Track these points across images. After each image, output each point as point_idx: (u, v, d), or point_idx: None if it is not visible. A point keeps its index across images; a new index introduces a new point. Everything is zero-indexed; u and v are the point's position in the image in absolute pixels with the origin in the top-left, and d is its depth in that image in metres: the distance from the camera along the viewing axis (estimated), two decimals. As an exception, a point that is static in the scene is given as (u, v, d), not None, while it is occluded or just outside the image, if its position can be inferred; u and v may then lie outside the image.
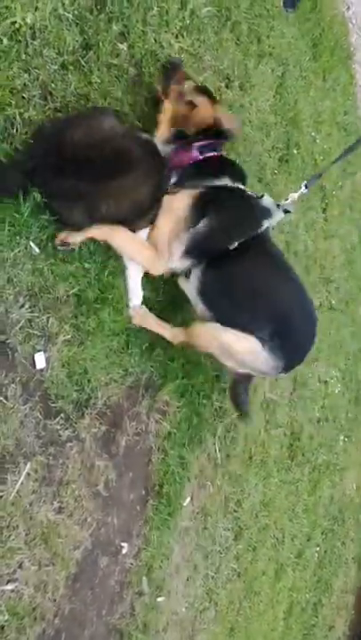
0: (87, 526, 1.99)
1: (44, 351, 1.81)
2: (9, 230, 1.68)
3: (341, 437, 4.24)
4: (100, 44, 1.93)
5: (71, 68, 1.84)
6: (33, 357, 1.78)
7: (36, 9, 1.71)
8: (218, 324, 2.08)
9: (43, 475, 1.80)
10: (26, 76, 1.69)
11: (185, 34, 2.33)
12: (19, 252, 1.71)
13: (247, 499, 3.00)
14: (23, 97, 1.69)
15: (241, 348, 2.08)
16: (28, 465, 1.75)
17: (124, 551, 2.17)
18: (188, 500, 2.56)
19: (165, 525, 2.37)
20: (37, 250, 1.77)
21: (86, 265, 1.92)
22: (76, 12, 1.84)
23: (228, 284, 2.09)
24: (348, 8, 4.01)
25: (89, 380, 1.97)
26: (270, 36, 2.94)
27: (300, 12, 3.19)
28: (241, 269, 2.08)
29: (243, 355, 2.10)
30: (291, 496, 3.50)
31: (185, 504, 2.53)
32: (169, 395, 2.39)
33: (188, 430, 2.50)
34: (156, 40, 2.18)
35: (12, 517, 1.71)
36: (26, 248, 1.74)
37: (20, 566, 1.75)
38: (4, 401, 1.68)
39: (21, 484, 1.72)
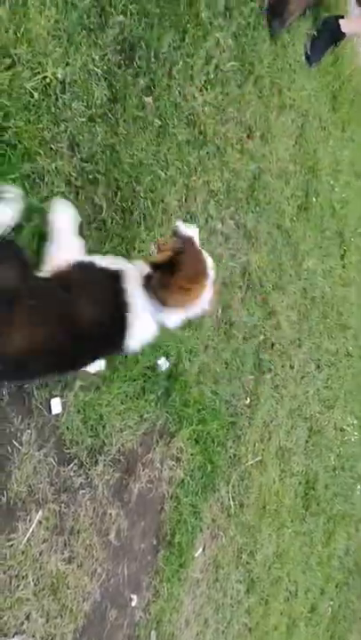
0: (97, 577, 1.95)
1: (61, 396, 1.81)
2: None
3: (358, 487, 4.14)
4: (127, 97, 1.99)
5: (99, 120, 1.89)
6: (49, 402, 1.78)
7: (67, 64, 1.77)
8: None
9: (54, 523, 1.78)
10: (55, 127, 1.74)
11: (209, 87, 2.39)
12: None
13: (260, 550, 2.93)
14: (51, 148, 1.74)
15: None
16: (40, 513, 1.73)
17: (133, 603, 2.12)
18: (200, 550, 2.51)
19: (176, 577, 2.32)
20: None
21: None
22: (105, 67, 1.90)
23: None
24: (368, 62, 4.09)
25: (104, 426, 1.96)
26: (291, 88, 3.00)
27: (321, 66, 3.27)
28: None
29: None
30: (305, 547, 3.41)
31: (197, 555, 2.48)
32: (183, 441, 2.36)
33: (201, 478, 2.46)
34: (180, 93, 2.24)
35: (22, 567, 1.68)
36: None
37: (28, 618, 1.71)
38: (19, 447, 1.67)
39: (32, 532, 1.70)
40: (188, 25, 2.23)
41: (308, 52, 3.13)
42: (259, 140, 2.76)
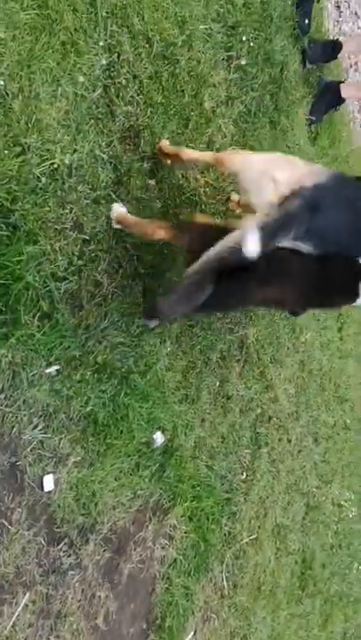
0: (83, 664, 1.88)
1: (53, 473, 1.80)
2: (28, 349, 1.73)
3: (356, 565, 4.01)
4: (131, 180, 2.07)
5: (103, 201, 1.97)
6: (41, 479, 1.77)
7: (75, 151, 1.85)
8: None
9: (41, 606, 1.73)
10: (60, 210, 1.81)
11: (210, 169, 2.49)
12: (36, 373, 1.75)
13: (254, 634, 2.81)
14: (56, 229, 1.80)
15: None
16: (27, 595, 1.68)
17: None
18: (192, 634, 2.42)
19: (166, 664, 2.23)
20: (55, 371, 1.81)
21: (102, 387, 1.94)
22: (110, 153, 1.99)
23: None
24: (365, 143, 4.27)
25: (96, 504, 1.93)
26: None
27: (319, 148, 3.41)
28: None
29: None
30: (301, 631, 3.28)
31: (187, 639, 2.39)
32: (177, 519, 2.32)
33: (194, 557, 2.40)
34: (183, 175, 2.34)
35: (6, 654, 1.63)
36: (45, 368, 1.78)
37: None
38: (9, 526, 1.65)
39: (18, 616, 1.65)
40: (192, 113, 2.35)
41: (310, 115, 3.26)
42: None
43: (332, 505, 3.70)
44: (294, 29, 3.00)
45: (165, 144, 2.15)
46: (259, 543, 2.86)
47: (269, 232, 1.67)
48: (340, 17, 3.67)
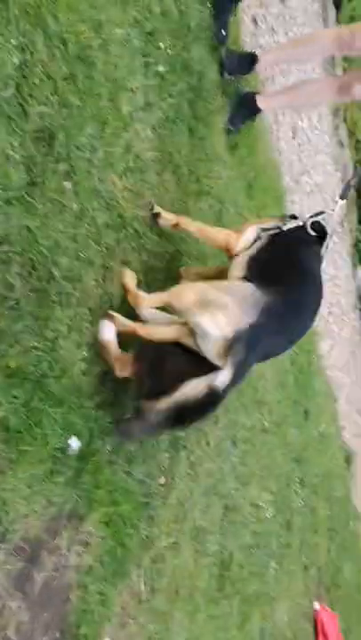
0: None
1: None
2: None
3: (272, 564, 4.12)
4: (46, 181, 2.05)
5: (15, 202, 1.93)
6: None
7: (-15, 150, 1.81)
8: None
9: None
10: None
11: (128, 174, 2.50)
12: None
13: (172, 637, 2.82)
14: (-36, 229, 1.75)
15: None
16: None
17: None
18: (108, 641, 2.39)
19: (80, 673, 2.19)
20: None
21: (15, 392, 1.90)
22: (24, 153, 1.96)
23: None
24: (281, 154, 4.42)
25: (7, 512, 1.88)
26: (209, 176, 3.18)
27: (237, 157, 3.50)
28: None
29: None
30: (219, 632, 3.31)
31: (103, 646, 2.36)
32: (93, 525, 2.29)
33: (111, 563, 2.38)
34: (100, 179, 2.33)
35: None
36: None
37: None
38: None
39: None
40: (109, 117, 2.35)
41: (228, 124, 3.33)
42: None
43: (250, 506, 3.78)
44: (212, 40, 3.07)
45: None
46: (177, 546, 2.87)
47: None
48: (256, 30, 3.78)
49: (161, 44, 2.65)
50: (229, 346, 2.01)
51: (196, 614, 3.03)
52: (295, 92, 3.53)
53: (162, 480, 2.77)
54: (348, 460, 6.58)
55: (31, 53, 1.96)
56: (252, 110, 3.36)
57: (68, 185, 2.15)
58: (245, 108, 3.34)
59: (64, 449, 2.15)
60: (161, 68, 2.66)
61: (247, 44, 3.69)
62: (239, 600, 3.56)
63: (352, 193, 5.65)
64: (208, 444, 3.22)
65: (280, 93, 3.72)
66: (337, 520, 5.95)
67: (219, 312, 2.06)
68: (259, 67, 3.31)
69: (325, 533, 5.49)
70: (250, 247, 2.42)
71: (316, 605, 4.98)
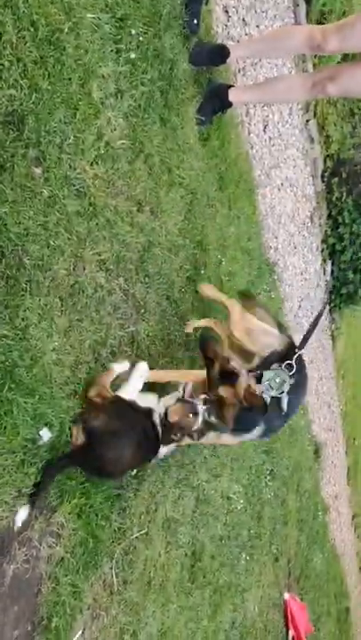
0: None
1: None
2: None
3: (243, 555, 4.14)
4: (15, 166, 2.00)
5: (-17, 187, 1.89)
6: None
7: None
8: None
9: None
10: None
11: (100, 162, 2.47)
12: None
13: (144, 628, 2.81)
14: None
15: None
16: None
17: None
18: (80, 633, 2.37)
19: (52, 665, 2.16)
20: None
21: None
22: (-8, 137, 1.91)
23: None
24: (252, 147, 4.43)
25: (-24, 504, 1.84)
26: (181, 167, 3.16)
27: (208, 149, 3.49)
28: None
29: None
30: (190, 623, 3.32)
31: (75, 638, 2.34)
32: (65, 516, 2.27)
33: (83, 555, 2.36)
34: (71, 166, 2.29)
35: None
36: None
37: None
38: None
39: None
40: (80, 102, 2.31)
41: (198, 114, 3.31)
42: (149, 214, 2.86)
43: (221, 498, 3.79)
44: (184, 28, 3.05)
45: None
46: (149, 538, 2.87)
47: None
48: (228, 21, 3.77)
49: (132, 31, 2.62)
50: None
51: (167, 605, 3.03)
52: (267, 89, 3.53)
53: (133, 472, 2.75)
54: (318, 452, 6.66)
55: (0, 35, 1.92)
56: (223, 103, 3.35)
57: (37, 171, 2.11)
58: (217, 100, 3.32)
59: (35, 439, 2.12)
60: (132, 55, 2.63)
61: (219, 35, 3.68)
62: (210, 591, 3.57)
63: (322, 187, 5.70)
64: (180, 435, 3.21)
65: (252, 88, 3.72)
66: (306, 511, 6.02)
67: None
68: (231, 59, 3.29)
69: (295, 524, 5.54)
70: None
71: (286, 595, 5.03)
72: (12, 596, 2.01)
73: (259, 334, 2.86)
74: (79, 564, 2.33)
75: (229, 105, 3.39)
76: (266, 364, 2.78)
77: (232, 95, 3.34)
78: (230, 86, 3.40)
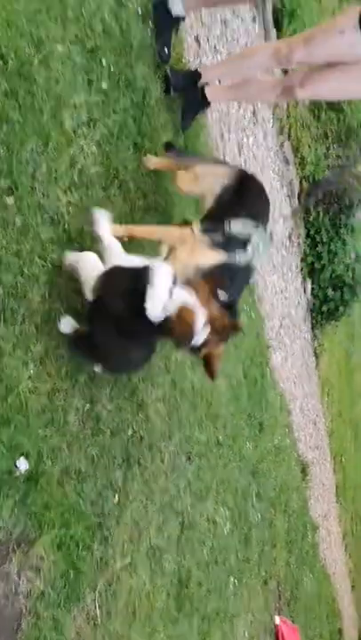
0: None
1: None
2: None
3: (232, 580, 4.09)
4: (-14, 197, 2.01)
5: None
6: None
7: None
8: None
9: None
10: None
11: (73, 189, 2.48)
12: None
13: (129, 661, 2.76)
14: None
15: None
16: None
17: None
18: (62, 669, 2.31)
19: None
20: None
21: None
22: None
23: None
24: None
25: None
26: (156, 192, 3.19)
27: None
28: None
29: None
30: (179, 652, 3.26)
31: (57, 675, 2.28)
32: (44, 548, 2.22)
33: (64, 588, 2.31)
34: (44, 194, 2.30)
35: None
36: None
37: None
38: None
39: None
40: (52, 132, 2.33)
41: (181, 123, 3.37)
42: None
43: (206, 522, 3.76)
44: (155, 57, 3.10)
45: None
46: (133, 567, 2.82)
47: None
48: (199, 49, 3.84)
49: (104, 61, 2.66)
50: None
51: (154, 635, 2.97)
52: (240, 90, 3.58)
53: (115, 499, 2.72)
54: (305, 471, 6.64)
55: (-31, 68, 1.94)
56: (202, 103, 3.40)
57: (9, 200, 2.11)
58: (194, 98, 3.36)
59: (11, 470, 2.09)
60: (104, 85, 2.66)
61: (191, 64, 3.75)
62: (198, 618, 3.51)
63: (299, 208, 5.79)
64: (162, 460, 3.19)
65: (227, 89, 3.77)
66: (295, 532, 5.98)
67: None
68: (200, 83, 3.35)
69: (284, 546, 5.50)
70: None
71: (277, 620, 4.97)
72: (-9, 634, 1.96)
73: (205, 176, 2.84)
74: (60, 597, 2.28)
75: (208, 104, 3.45)
76: (220, 202, 2.76)
77: (209, 93, 3.39)
78: (206, 84, 3.44)
